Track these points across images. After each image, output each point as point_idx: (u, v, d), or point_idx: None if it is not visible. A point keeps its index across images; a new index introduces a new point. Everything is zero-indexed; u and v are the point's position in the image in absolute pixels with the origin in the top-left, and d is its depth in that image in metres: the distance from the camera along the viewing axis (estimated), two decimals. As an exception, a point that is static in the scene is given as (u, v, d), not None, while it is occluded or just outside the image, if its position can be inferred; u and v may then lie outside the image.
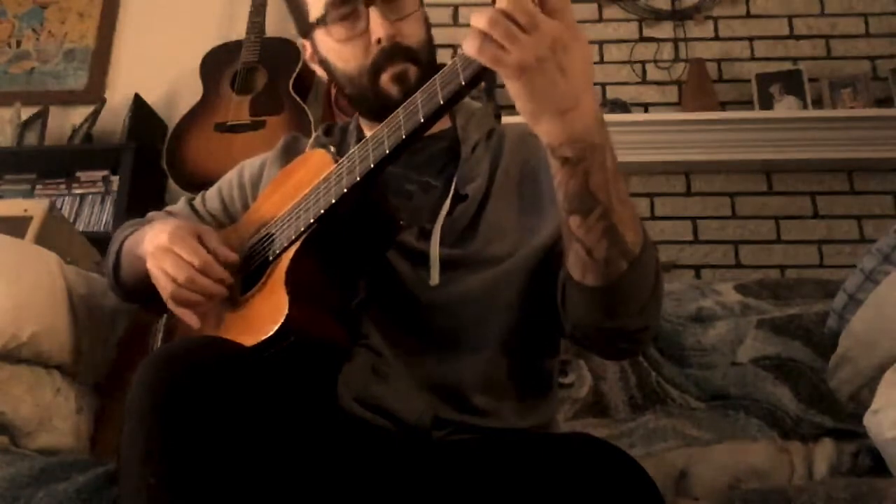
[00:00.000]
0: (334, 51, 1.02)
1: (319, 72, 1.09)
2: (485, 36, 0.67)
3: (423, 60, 1.01)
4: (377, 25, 0.97)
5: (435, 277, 0.92)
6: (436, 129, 1.05)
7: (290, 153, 1.14)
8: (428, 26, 1.06)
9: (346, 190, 0.86)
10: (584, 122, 0.71)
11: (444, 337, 0.93)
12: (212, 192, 1.22)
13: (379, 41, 0.98)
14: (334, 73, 1.05)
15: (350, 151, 0.90)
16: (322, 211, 0.88)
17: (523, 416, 0.96)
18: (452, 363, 0.93)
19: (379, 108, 1.00)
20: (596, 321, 0.85)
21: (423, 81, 0.94)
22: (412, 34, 1.01)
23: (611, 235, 0.76)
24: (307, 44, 1.09)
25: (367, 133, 1.08)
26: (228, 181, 1.21)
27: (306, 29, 1.06)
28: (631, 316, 0.83)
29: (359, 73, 1.00)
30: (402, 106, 0.82)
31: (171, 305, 0.97)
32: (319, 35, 1.04)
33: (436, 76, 0.78)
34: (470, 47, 0.69)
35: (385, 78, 0.99)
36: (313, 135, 1.16)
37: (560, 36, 0.67)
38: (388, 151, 0.83)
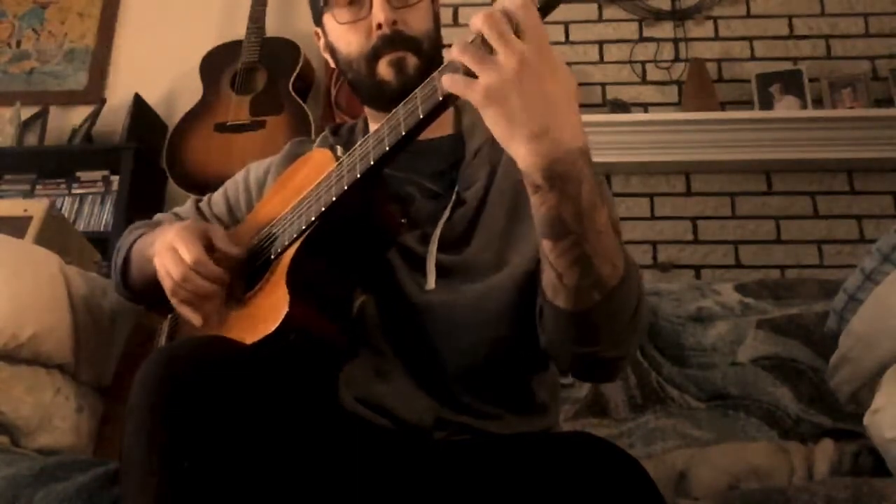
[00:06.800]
0: (339, 35, 1.04)
1: (329, 60, 1.10)
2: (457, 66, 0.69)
3: (424, 51, 1.01)
4: (379, 10, 0.99)
5: (431, 283, 0.92)
6: (440, 132, 1.06)
7: (296, 157, 1.14)
8: (436, 19, 1.06)
9: (346, 188, 0.86)
10: (558, 150, 0.69)
11: (441, 341, 0.93)
12: (218, 195, 1.22)
13: (379, 26, 0.99)
14: (338, 59, 1.06)
15: (351, 150, 0.90)
16: (323, 209, 0.88)
17: (523, 423, 0.95)
18: (449, 367, 0.92)
19: (376, 94, 1.02)
20: (566, 343, 0.83)
21: (421, 72, 0.96)
22: (415, 23, 1.01)
23: (582, 265, 0.74)
24: (319, 32, 1.10)
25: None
26: (234, 183, 1.21)
27: (318, 15, 1.08)
28: (602, 344, 0.81)
29: (358, 58, 1.02)
30: (402, 103, 0.82)
31: (172, 302, 0.97)
32: (327, 19, 1.05)
33: (436, 72, 0.78)
34: (446, 84, 0.70)
35: (382, 64, 1.00)
36: (321, 135, 1.17)
37: (528, 59, 0.67)
38: (387, 149, 0.82)
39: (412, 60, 0.99)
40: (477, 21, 0.68)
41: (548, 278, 0.78)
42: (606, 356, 0.84)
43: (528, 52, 0.67)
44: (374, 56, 1.00)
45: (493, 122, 0.70)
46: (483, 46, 0.69)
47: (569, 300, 0.77)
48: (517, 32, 0.67)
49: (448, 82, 0.70)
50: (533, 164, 0.70)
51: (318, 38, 1.12)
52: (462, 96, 0.70)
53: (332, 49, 1.07)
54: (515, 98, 0.67)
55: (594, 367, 0.88)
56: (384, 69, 0.99)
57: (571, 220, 0.72)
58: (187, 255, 0.93)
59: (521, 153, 0.70)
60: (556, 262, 0.75)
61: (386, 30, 0.99)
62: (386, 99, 0.99)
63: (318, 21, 1.09)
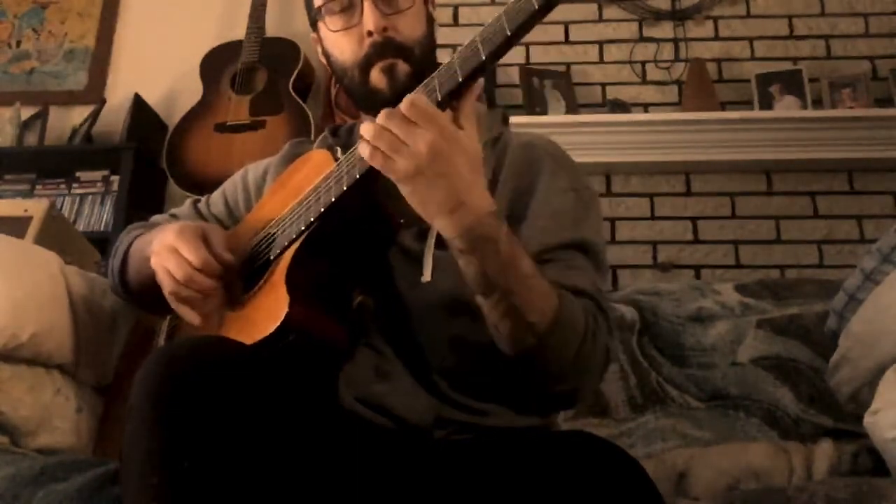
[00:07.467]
0: (332, 42, 1.04)
1: (326, 65, 1.10)
2: (374, 145, 0.76)
3: (416, 57, 1.01)
4: (369, 18, 0.98)
5: (427, 274, 0.92)
6: None
7: (295, 157, 1.14)
8: (429, 22, 1.05)
9: (345, 188, 0.86)
10: (474, 218, 0.77)
11: (441, 338, 0.93)
12: (216, 196, 1.22)
13: (370, 34, 0.98)
14: (334, 66, 1.06)
15: (350, 151, 0.90)
16: (322, 210, 0.88)
17: (523, 422, 0.96)
18: (449, 364, 0.93)
19: (370, 101, 1.02)
20: (517, 377, 0.89)
21: (414, 78, 0.96)
22: (406, 30, 1.01)
23: (513, 315, 0.81)
24: (316, 37, 1.10)
25: None
26: (233, 184, 1.21)
27: (314, 21, 1.08)
28: (550, 380, 0.87)
29: (352, 66, 1.01)
30: (399, 105, 0.82)
31: (171, 303, 0.97)
32: (321, 26, 1.05)
33: (434, 74, 0.78)
34: (363, 152, 0.78)
35: (374, 72, 1.00)
36: (321, 136, 1.17)
37: (434, 144, 0.74)
38: None
39: (403, 67, 0.99)
40: (380, 119, 0.76)
41: (489, 327, 0.85)
42: (557, 390, 0.88)
43: (433, 139, 0.74)
44: (366, 64, 1.00)
45: (412, 200, 0.78)
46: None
47: (507, 345, 0.84)
48: (415, 123, 0.75)
49: (367, 155, 0.77)
50: (454, 233, 0.78)
51: (316, 42, 1.12)
52: (383, 172, 0.77)
53: (327, 55, 1.07)
54: (430, 181, 0.75)
55: (545, 400, 0.94)
56: (376, 77, 0.99)
57: (496, 275, 0.79)
58: (190, 255, 0.93)
59: (442, 225, 0.78)
60: (490, 314, 0.83)
61: (377, 37, 0.98)
62: (379, 106, 0.99)
63: (313, 27, 1.09)
